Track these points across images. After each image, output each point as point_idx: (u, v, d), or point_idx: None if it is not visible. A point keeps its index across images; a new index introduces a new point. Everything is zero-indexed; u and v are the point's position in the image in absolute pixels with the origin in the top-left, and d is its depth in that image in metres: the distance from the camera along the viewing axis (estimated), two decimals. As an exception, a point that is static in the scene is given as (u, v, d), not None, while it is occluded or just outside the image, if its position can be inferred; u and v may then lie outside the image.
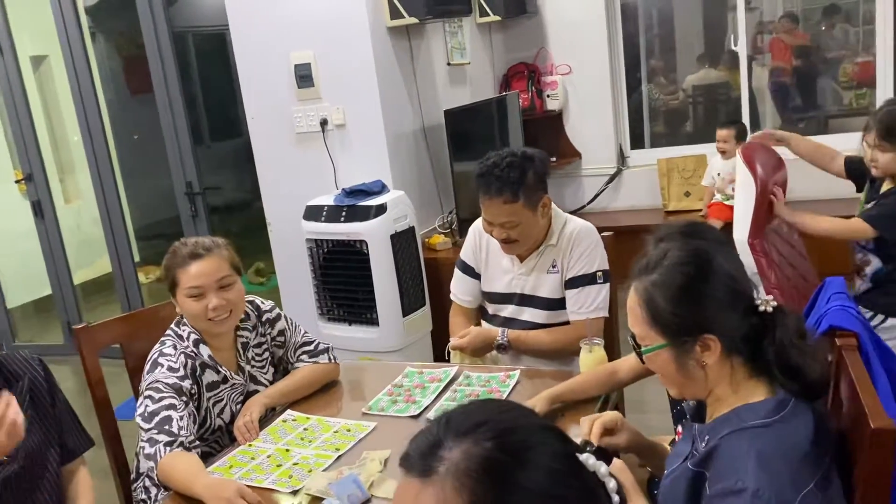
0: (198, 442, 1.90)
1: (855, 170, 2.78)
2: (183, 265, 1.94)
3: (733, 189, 4.62)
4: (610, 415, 1.55)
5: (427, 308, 3.66)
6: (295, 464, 1.78)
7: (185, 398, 1.90)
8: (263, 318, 2.15)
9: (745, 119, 5.02)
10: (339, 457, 1.79)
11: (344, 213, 3.45)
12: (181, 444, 1.80)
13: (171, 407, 1.85)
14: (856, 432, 1.21)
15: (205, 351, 1.99)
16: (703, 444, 1.21)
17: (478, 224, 2.52)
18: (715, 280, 1.20)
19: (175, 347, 1.97)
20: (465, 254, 2.56)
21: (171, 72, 4.34)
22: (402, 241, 3.50)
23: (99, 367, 2.16)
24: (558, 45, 5.15)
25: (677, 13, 5.93)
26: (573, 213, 3.05)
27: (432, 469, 0.77)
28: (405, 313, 3.49)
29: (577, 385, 1.90)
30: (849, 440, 1.25)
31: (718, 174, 4.67)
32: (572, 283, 2.30)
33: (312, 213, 3.56)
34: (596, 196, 5.17)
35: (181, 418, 1.84)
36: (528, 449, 0.79)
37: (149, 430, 1.82)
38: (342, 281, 3.53)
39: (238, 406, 2.05)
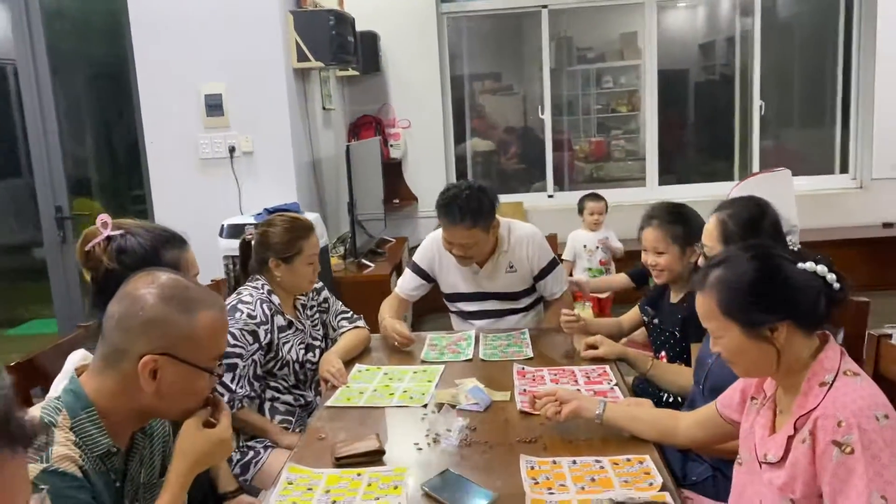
0: (252, 394, 2.25)
1: (637, 275, 3.38)
2: (306, 237, 2.34)
3: (600, 262, 4.53)
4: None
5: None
6: (405, 390, 2.16)
7: (256, 345, 2.23)
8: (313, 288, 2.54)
9: (549, 175, 6.13)
10: (436, 385, 2.19)
11: (269, 230, 3.73)
12: (236, 400, 2.16)
13: (239, 356, 2.18)
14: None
15: (275, 299, 2.35)
16: None
17: (435, 237, 2.89)
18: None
19: (252, 295, 2.30)
20: (421, 260, 2.91)
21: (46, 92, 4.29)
22: (321, 258, 3.86)
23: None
24: (400, 101, 5.86)
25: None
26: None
27: None
28: (323, 323, 3.84)
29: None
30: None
31: (585, 246, 4.52)
32: (543, 273, 2.84)
33: (233, 231, 3.78)
34: (431, 235, 5.84)
35: (243, 367, 2.19)
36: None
37: None
38: (263, 294, 3.78)
39: (300, 350, 2.39)
